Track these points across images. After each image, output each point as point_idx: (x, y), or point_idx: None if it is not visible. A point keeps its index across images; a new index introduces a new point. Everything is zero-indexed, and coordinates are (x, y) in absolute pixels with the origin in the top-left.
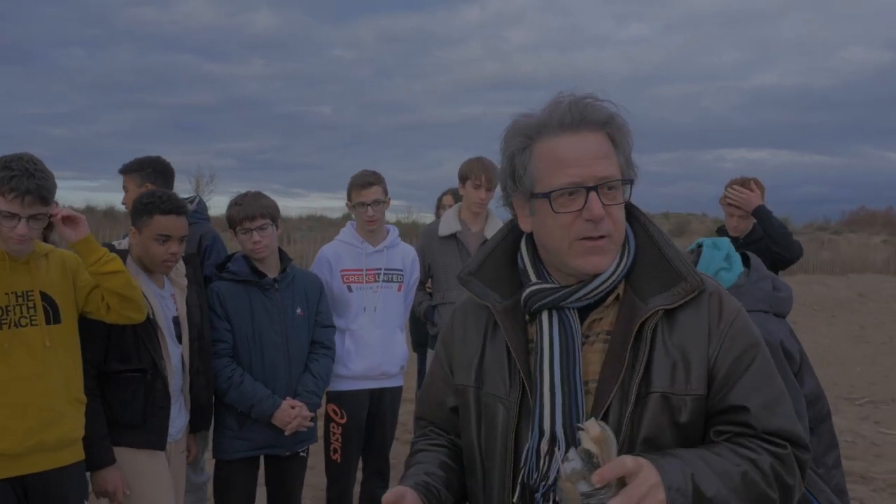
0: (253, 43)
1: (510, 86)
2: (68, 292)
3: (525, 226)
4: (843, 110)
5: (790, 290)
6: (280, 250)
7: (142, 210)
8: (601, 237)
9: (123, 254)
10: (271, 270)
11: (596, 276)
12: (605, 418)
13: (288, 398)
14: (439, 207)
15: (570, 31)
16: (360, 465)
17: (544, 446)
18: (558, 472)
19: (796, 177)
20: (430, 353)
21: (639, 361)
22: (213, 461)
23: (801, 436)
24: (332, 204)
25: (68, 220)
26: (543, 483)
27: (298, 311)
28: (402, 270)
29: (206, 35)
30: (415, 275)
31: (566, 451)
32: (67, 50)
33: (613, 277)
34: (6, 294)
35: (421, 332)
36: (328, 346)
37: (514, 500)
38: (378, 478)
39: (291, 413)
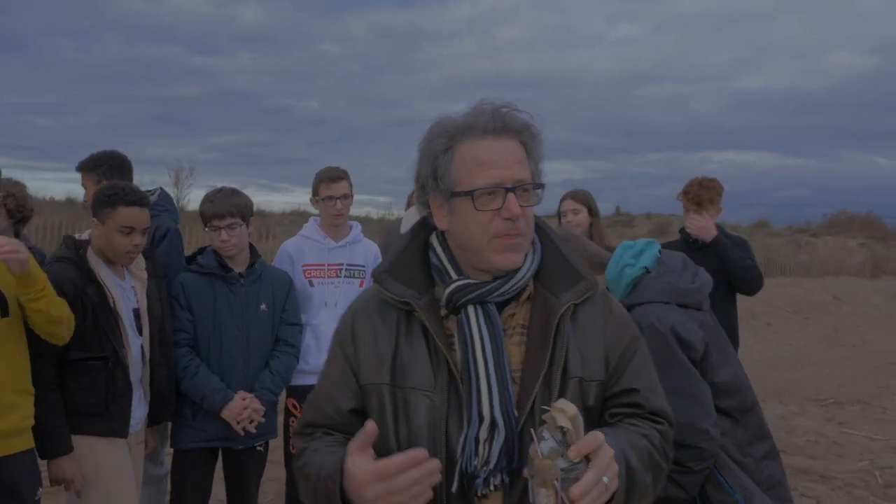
0: (241, 36)
1: (501, 83)
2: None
3: (441, 224)
4: (830, 114)
5: (705, 283)
6: (251, 246)
7: (105, 202)
8: (517, 235)
9: (85, 244)
10: (239, 266)
11: (513, 272)
12: (533, 404)
13: (241, 392)
14: (409, 205)
15: (562, 29)
16: None
17: (483, 433)
18: (530, 452)
19: (781, 179)
20: None
21: (559, 351)
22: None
23: (672, 415)
24: None
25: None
26: (485, 468)
27: (263, 307)
28: (364, 266)
29: (194, 27)
30: None
31: (539, 432)
32: (55, 39)
33: (529, 274)
34: None
35: None
36: (292, 345)
37: (454, 490)
38: None
39: (241, 405)
